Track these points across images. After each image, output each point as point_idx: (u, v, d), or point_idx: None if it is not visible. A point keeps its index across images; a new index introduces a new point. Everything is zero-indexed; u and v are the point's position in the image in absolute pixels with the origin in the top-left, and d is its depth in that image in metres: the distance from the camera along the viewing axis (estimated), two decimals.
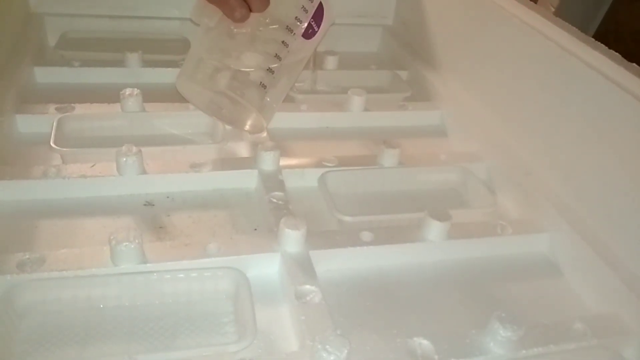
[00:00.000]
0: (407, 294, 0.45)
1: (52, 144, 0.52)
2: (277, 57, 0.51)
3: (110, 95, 0.61)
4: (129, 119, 0.59)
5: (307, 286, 0.41)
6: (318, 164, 0.56)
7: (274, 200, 0.50)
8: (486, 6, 0.64)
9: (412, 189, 0.56)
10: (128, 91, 0.60)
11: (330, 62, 0.77)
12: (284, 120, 0.63)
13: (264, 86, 0.51)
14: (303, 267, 0.43)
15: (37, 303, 0.39)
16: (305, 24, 0.52)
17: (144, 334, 0.39)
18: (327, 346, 0.35)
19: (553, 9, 1.05)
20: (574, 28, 0.53)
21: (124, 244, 0.40)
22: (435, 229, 0.47)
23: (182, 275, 0.41)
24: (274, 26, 0.51)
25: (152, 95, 0.62)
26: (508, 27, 0.60)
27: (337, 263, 0.46)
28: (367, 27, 0.88)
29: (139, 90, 0.60)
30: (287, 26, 0.51)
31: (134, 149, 0.51)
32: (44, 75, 0.68)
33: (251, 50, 0.51)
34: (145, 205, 0.51)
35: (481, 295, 0.46)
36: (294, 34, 0.52)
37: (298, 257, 0.44)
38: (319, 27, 0.54)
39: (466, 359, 0.37)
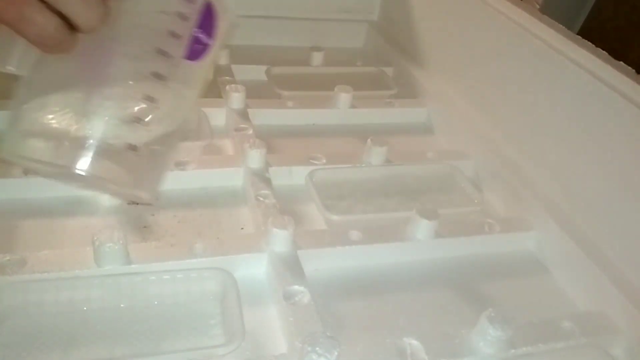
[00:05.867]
0: (397, 293, 0.45)
1: None
2: (150, 99, 0.34)
3: None
4: None
5: (296, 286, 0.41)
6: (305, 162, 0.55)
7: (261, 199, 0.49)
8: (472, 2, 0.64)
9: (399, 187, 0.56)
10: None
11: (316, 58, 0.76)
12: (270, 117, 0.63)
13: (134, 148, 0.34)
14: (291, 267, 0.42)
15: (18, 306, 0.38)
16: (186, 39, 0.35)
17: (129, 337, 0.38)
18: (317, 348, 0.35)
19: (538, 6, 1.05)
20: (561, 25, 0.53)
21: (108, 244, 0.39)
22: (423, 228, 0.47)
23: (167, 276, 0.40)
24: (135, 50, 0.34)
25: None
26: (494, 23, 0.60)
27: (325, 263, 0.45)
28: (353, 23, 0.88)
29: None
30: (158, 49, 0.34)
31: None
32: None
33: (103, 94, 0.33)
34: (129, 204, 0.50)
35: (470, 294, 0.46)
36: (171, 57, 0.35)
37: (286, 257, 0.43)
38: (211, 37, 0.36)
39: (456, 359, 0.37)
